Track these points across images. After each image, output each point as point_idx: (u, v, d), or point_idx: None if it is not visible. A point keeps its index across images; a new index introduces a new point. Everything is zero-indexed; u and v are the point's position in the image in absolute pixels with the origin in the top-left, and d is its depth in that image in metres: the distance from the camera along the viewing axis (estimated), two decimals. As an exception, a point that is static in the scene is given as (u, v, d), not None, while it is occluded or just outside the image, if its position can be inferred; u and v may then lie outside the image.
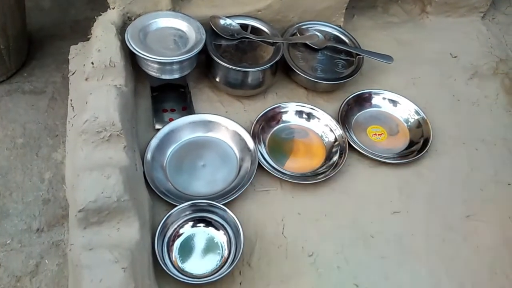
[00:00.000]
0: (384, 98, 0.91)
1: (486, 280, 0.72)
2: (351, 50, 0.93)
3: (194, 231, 0.72)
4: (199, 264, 0.69)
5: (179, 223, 0.71)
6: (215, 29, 0.87)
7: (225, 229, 0.71)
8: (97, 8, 0.84)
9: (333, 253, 0.72)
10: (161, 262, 0.66)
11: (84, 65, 0.76)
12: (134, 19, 0.83)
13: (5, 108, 0.97)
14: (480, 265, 0.73)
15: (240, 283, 0.69)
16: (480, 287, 0.71)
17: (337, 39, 0.96)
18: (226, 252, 0.70)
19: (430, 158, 0.84)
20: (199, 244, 0.71)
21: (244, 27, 0.90)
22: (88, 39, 0.82)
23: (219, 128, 0.83)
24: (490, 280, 0.72)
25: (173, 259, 0.69)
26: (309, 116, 0.87)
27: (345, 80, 0.89)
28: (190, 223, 0.72)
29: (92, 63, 0.74)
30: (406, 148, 0.86)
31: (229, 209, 0.70)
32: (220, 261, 0.69)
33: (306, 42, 0.92)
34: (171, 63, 0.79)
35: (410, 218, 0.77)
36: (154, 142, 0.79)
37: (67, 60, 0.86)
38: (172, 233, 0.71)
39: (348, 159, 0.81)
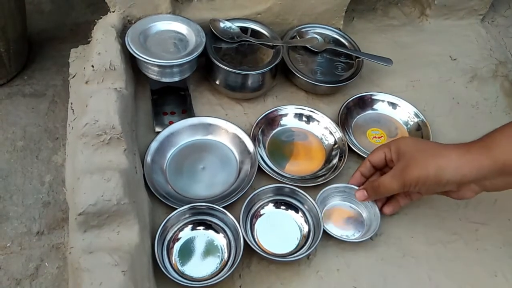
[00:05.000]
0: (383, 101, 0.91)
1: (486, 283, 0.72)
2: (350, 53, 0.94)
3: (193, 234, 0.72)
4: (199, 267, 0.69)
5: (178, 226, 0.71)
6: (215, 32, 0.87)
7: (225, 232, 0.71)
8: (97, 11, 0.84)
9: (333, 255, 0.72)
10: (161, 265, 0.66)
11: (84, 68, 0.76)
12: (134, 22, 0.83)
13: (5, 111, 0.97)
14: (480, 267, 0.73)
15: (240, 286, 0.69)
16: (480, 290, 0.71)
17: (337, 42, 0.96)
18: (226, 255, 0.70)
19: (430, 161, 0.84)
20: (199, 247, 0.71)
21: (244, 30, 0.90)
22: (88, 42, 0.82)
23: (219, 131, 0.83)
24: (490, 283, 0.72)
25: (173, 262, 0.69)
26: (309, 118, 0.87)
27: (344, 83, 0.89)
28: (190, 226, 0.72)
29: (93, 66, 0.74)
30: (406, 151, 0.86)
31: (229, 212, 0.71)
32: (220, 264, 0.69)
33: (306, 45, 0.93)
34: (171, 66, 0.79)
35: (409, 221, 0.77)
36: (154, 145, 0.79)
37: (67, 63, 0.86)
38: (172, 236, 0.71)
39: (348, 161, 0.81)
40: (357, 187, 0.76)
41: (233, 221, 0.70)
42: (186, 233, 0.72)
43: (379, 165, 0.74)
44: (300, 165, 0.82)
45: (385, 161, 0.72)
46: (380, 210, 0.74)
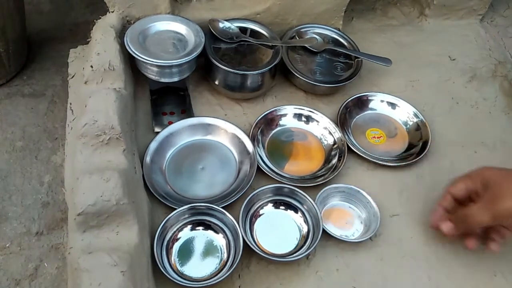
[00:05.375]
0: (382, 101, 0.91)
1: (486, 283, 0.72)
2: (349, 53, 0.94)
3: (193, 234, 0.72)
4: (198, 267, 0.69)
5: (178, 226, 0.71)
6: (214, 32, 0.87)
7: (224, 232, 0.71)
8: (97, 12, 0.84)
9: (333, 256, 0.72)
10: (160, 266, 0.66)
11: (83, 68, 0.76)
12: (133, 22, 0.83)
13: (5, 111, 0.97)
14: (479, 268, 0.73)
15: (239, 286, 0.69)
16: (479, 290, 0.71)
17: (336, 42, 0.96)
18: (225, 255, 0.70)
19: (429, 161, 0.85)
20: (198, 247, 0.71)
21: (243, 30, 0.90)
22: (87, 43, 0.82)
23: (218, 131, 0.83)
24: (490, 283, 0.72)
25: (172, 262, 0.69)
26: (308, 119, 0.87)
27: (344, 83, 0.89)
28: (189, 226, 0.72)
29: (92, 66, 0.74)
30: (405, 151, 0.86)
31: (228, 212, 0.71)
32: (219, 264, 0.69)
33: (305, 45, 0.93)
34: (170, 66, 0.79)
35: (409, 221, 0.77)
36: (153, 145, 0.79)
37: (66, 63, 0.86)
38: (171, 236, 0.71)
39: (347, 161, 0.81)
40: (354, 187, 0.76)
41: (233, 221, 0.70)
42: (185, 233, 0.72)
43: (461, 197, 0.68)
44: (300, 165, 0.82)
45: (467, 193, 0.67)
46: (465, 243, 0.69)
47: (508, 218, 0.60)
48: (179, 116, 0.86)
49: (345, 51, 0.94)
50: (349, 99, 0.90)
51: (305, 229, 0.73)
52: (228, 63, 0.84)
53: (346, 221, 0.76)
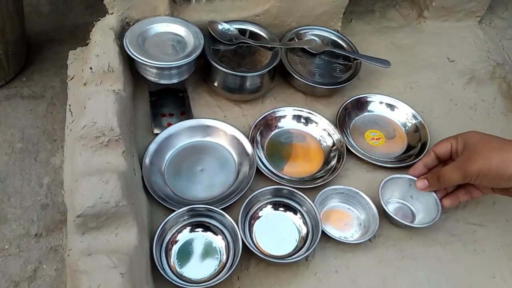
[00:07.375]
0: (381, 103, 0.92)
1: (484, 284, 0.72)
2: (348, 55, 0.94)
3: (192, 236, 0.72)
4: (198, 269, 0.69)
5: (177, 228, 0.71)
6: (213, 34, 0.87)
7: (223, 233, 0.71)
8: (96, 13, 0.84)
9: (332, 257, 0.72)
10: (159, 267, 0.66)
11: (82, 70, 0.76)
12: (133, 24, 0.83)
13: (4, 113, 0.97)
14: (478, 269, 0.73)
15: (238, 288, 0.69)
16: (478, 291, 0.71)
17: (335, 44, 0.96)
18: (224, 257, 0.70)
19: (428, 162, 0.85)
20: (198, 249, 0.71)
21: (242, 32, 0.90)
22: (86, 44, 0.82)
23: (218, 132, 0.83)
24: (488, 284, 0.72)
25: (171, 264, 0.69)
26: (307, 120, 0.87)
27: (343, 85, 0.90)
28: (188, 228, 0.72)
29: (91, 68, 0.74)
30: (404, 153, 0.86)
31: (227, 214, 0.71)
32: (218, 266, 0.69)
33: (304, 46, 0.93)
34: (170, 68, 0.79)
35: (408, 222, 0.77)
36: (152, 147, 0.79)
37: (65, 65, 0.86)
38: (170, 238, 0.71)
39: (346, 163, 0.81)
40: (353, 188, 0.76)
41: (232, 223, 0.70)
42: (184, 235, 0.72)
43: (443, 157, 0.73)
44: (299, 167, 0.82)
45: (450, 153, 0.72)
46: (440, 201, 0.74)
47: (476, 177, 0.65)
48: (178, 117, 0.86)
49: (344, 53, 0.94)
50: (348, 101, 0.90)
51: (304, 231, 0.73)
52: (227, 65, 0.84)
53: (345, 223, 0.76)
